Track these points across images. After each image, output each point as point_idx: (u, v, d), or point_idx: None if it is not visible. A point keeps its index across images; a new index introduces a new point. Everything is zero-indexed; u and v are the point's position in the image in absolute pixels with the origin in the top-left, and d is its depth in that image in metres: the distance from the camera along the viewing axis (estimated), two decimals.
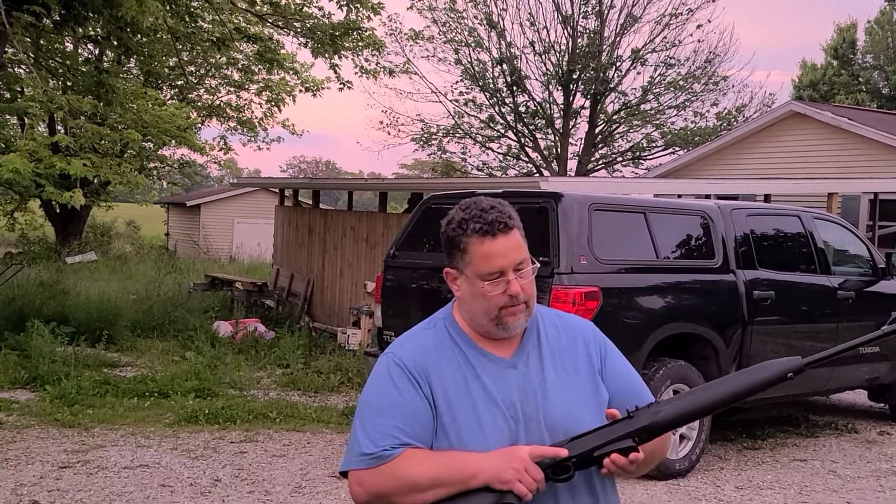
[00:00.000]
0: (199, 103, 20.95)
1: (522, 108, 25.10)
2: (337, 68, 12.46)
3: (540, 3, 24.28)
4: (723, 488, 6.05)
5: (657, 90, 24.47)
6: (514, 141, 25.81)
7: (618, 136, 25.92)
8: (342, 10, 11.32)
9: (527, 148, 25.81)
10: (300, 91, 19.89)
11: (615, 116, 25.30)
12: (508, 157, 26.26)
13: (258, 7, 11.62)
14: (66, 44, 15.10)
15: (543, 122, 25.37)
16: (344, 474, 1.90)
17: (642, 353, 5.98)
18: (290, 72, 18.89)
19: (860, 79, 36.02)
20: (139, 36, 11.64)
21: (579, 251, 5.89)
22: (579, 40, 24.05)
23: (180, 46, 12.41)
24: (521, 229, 1.92)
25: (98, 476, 5.78)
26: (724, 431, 7.40)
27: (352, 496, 1.87)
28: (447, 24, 24.48)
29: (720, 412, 1.91)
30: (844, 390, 8.24)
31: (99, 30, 12.10)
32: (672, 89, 24.41)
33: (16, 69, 13.20)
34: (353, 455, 1.87)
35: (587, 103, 25.11)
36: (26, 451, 6.28)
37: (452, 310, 2.01)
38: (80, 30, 11.32)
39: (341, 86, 13.00)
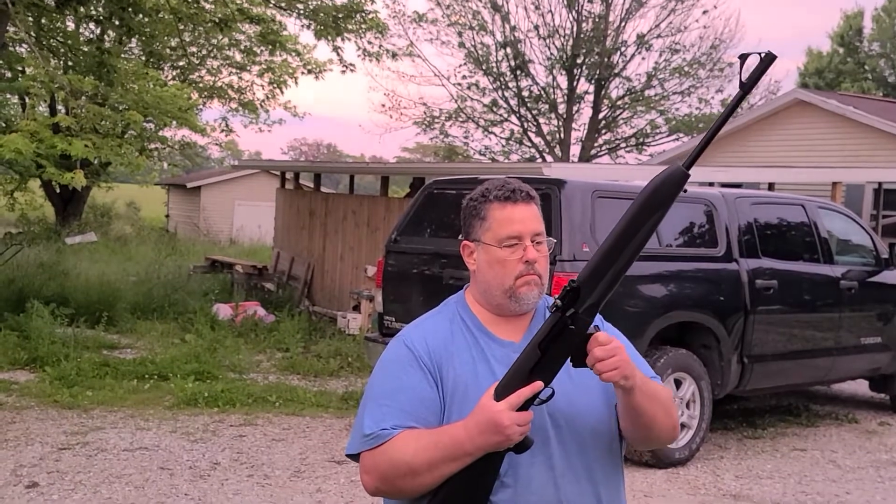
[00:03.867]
0: (201, 84, 20.84)
1: (526, 93, 24.98)
2: (340, 51, 12.39)
3: None
4: (722, 477, 6.04)
5: (662, 76, 24.34)
6: (517, 125, 25.70)
7: (621, 121, 25.81)
8: None
9: (529, 133, 25.72)
10: (302, 73, 19.78)
11: (619, 102, 25.18)
12: (511, 142, 26.16)
13: None
14: (68, 23, 15.01)
15: (547, 106, 25.25)
16: (353, 458, 1.91)
17: (644, 342, 5.96)
18: (293, 53, 18.77)
19: (866, 67, 35.85)
20: (141, 16, 11.56)
21: (582, 238, 5.86)
22: (584, 25, 23.91)
23: (182, 27, 12.33)
24: (539, 208, 1.97)
25: (97, 458, 5.77)
26: (724, 420, 7.40)
27: (363, 485, 1.87)
28: (451, 7, 24.33)
29: (641, 244, 1.78)
30: (846, 380, 8.23)
31: (101, 9, 12.02)
32: (677, 75, 24.28)
33: (17, 48, 13.13)
34: (355, 438, 1.88)
35: (591, 88, 25.00)
36: (26, 432, 6.28)
37: (465, 294, 2.02)
38: (82, 9, 11.25)
39: (344, 68, 12.93)
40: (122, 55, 14.61)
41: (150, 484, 5.34)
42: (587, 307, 1.77)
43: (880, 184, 14.30)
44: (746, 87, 1.69)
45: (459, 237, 2.02)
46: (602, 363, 1.76)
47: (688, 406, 6.31)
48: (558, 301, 1.77)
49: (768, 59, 1.67)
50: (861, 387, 8.75)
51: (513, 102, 25.18)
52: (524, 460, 1.81)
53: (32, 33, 10.52)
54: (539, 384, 1.76)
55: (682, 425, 6.29)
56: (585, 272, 1.78)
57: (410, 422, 1.83)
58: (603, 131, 25.78)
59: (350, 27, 11.76)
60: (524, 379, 1.76)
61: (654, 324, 6.06)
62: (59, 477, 5.37)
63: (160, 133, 20.14)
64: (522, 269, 1.90)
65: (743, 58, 1.67)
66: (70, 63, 12.65)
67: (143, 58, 17.38)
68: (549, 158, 24.65)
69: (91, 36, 16.16)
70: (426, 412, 1.85)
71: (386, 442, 1.81)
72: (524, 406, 1.75)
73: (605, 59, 23.81)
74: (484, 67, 24.59)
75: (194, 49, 19.28)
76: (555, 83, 24.92)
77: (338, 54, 12.53)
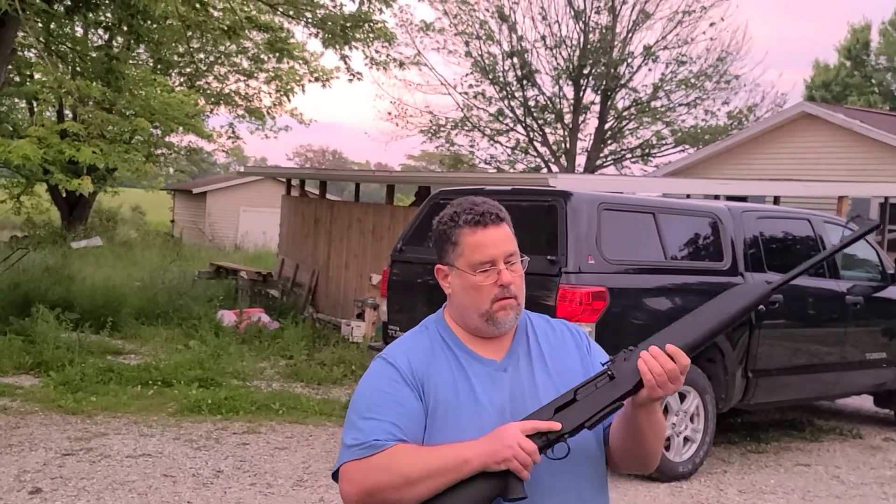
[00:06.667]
0: (208, 91, 20.92)
1: (532, 103, 25.01)
2: (347, 59, 12.41)
3: None
4: (726, 492, 6.02)
5: (668, 87, 24.35)
6: (523, 135, 25.73)
7: (627, 132, 25.82)
8: (354, 1, 11.28)
9: (535, 142, 25.73)
10: (309, 81, 19.84)
11: (625, 113, 25.19)
12: (517, 151, 26.18)
13: None
14: (77, 29, 15.07)
15: (553, 116, 25.27)
16: (336, 477, 1.87)
17: None
18: (300, 61, 18.84)
19: (873, 80, 35.86)
20: (149, 23, 11.60)
21: (587, 251, 5.85)
22: (591, 35, 23.94)
23: (190, 34, 12.37)
24: (510, 226, 1.95)
25: (101, 464, 5.77)
26: (727, 434, 7.38)
27: (343, 497, 1.82)
28: (458, 17, 24.39)
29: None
30: (850, 395, 8.21)
31: (110, 16, 12.06)
32: (683, 87, 24.29)
33: (26, 53, 13.18)
34: (343, 450, 1.85)
35: (597, 99, 25.01)
36: (30, 437, 6.28)
37: (444, 314, 2.02)
38: (91, 15, 11.29)
39: (351, 77, 12.95)
40: (130, 61, 14.66)
41: (154, 491, 5.34)
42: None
43: (886, 198, 14.29)
44: (842, 246, 1.95)
45: None
46: (665, 376, 1.75)
47: (692, 420, 6.30)
48: (612, 358, 1.80)
49: (871, 226, 1.91)
50: (866, 402, 8.72)
51: (519, 112, 25.20)
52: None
53: (41, 39, 10.55)
54: (557, 425, 1.76)
55: (686, 439, 6.28)
56: (647, 342, 1.80)
57: (400, 434, 1.81)
58: (609, 142, 25.79)
59: (358, 36, 11.78)
60: (549, 415, 1.77)
61: None
62: (63, 483, 5.38)
63: (167, 139, 20.24)
64: (498, 293, 1.89)
65: (855, 218, 1.92)
66: (78, 69, 12.69)
67: (151, 64, 17.45)
68: (554, 168, 24.66)
69: (99, 42, 16.23)
70: (413, 426, 1.84)
71: (380, 451, 1.79)
72: (544, 445, 1.76)
73: (612, 70, 23.83)
74: (490, 77, 24.63)
75: (202, 56, 19.36)
76: (561, 93, 24.96)
77: (345, 63, 12.55)
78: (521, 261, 1.93)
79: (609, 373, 1.79)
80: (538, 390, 1.90)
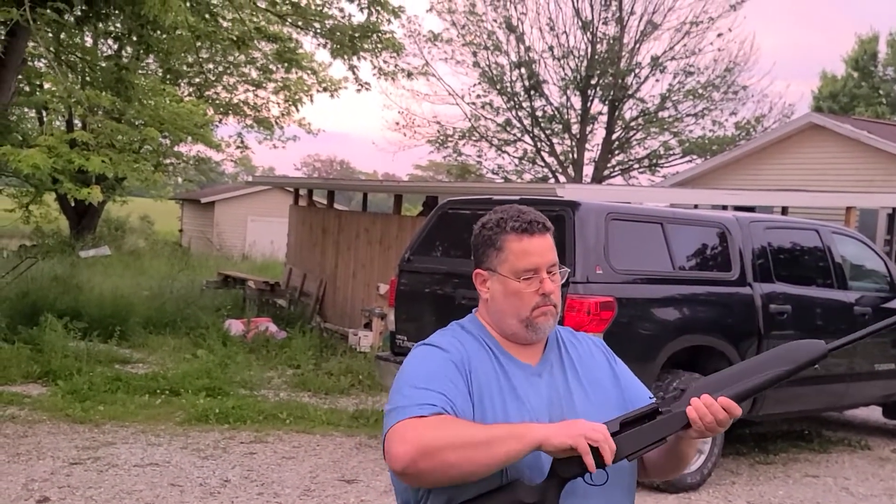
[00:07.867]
0: (217, 101, 21.01)
1: (539, 113, 25.06)
2: (355, 69, 12.47)
3: (560, 7, 24.18)
4: (734, 503, 6.00)
5: (676, 98, 24.38)
6: (531, 145, 25.77)
7: (635, 142, 25.84)
8: (363, 12, 11.33)
9: (543, 152, 25.77)
10: (318, 91, 19.92)
11: (633, 123, 25.22)
12: (524, 161, 26.23)
13: (279, 7, 11.64)
14: (87, 39, 15.16)
15: (560, 126, 25.31)
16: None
17: (656, 365, 5.94)
18: (308, 71, 18.92)
19: (880, 91, 35.79)
20: (159, 33, 11.67)
21: (595, 261, 5.85)
22: (598, 46, 23.99)
23: (200, 44, 12.44)
24: (553, 237, 1.97)
25: (108, 473, 5.78)
26: (736, 445, 7.35)
27: (393, 459, 1.70)
28: (466, 27, 24.48)
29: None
30: (858, 406, 8.18)
31: (119, 26, 12.13)
32: (691, 97, 24.32)
33: (36, 62, 13.26)
34: (395, 413, 1.75)
35: (605, 109, 25.06)
36: (37, 446, 6.30)
37: (478, 318, 2.02)
38: (101, 25, 11.36)
39: (359, 87, 13.00)
40: (140, 71, 14.74)
41: (161, 500, 5.34)
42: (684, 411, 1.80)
43: (894, 209, 14.26)
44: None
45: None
46: (715, 423, 1.79)
47: None
48: (661, 393, 1.80)
49: None
50: (874, 413, 8.68)
51: (526, 122, 25.26)
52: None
53: (52, 49, 10.62)
54: (613, 447, 1.75)
55: None
56: (699, 387, 1.82)
57: (455, 411, 1.77)
58: (616, 152, 25.82)
59: (366, 46, 11.83)
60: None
61: (667, 347, 6.04)
62: (70, 492, 5.38)
63: (176, 148, 20.31)
64: (539, 301, 1.92)
65: None
66: (88, 78, 12.77)
67: (161, 74, 17.53)
68: (561, 178, 24.69)
69: (109, 52, 16.31)
70: (464, 407, 1.81)
71: (439, 415, 1.74)
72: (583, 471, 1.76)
73: (619, 81, 23.87)
74: (498, 87, 24.69)
75: (211, 66, 19.45)
76: (569, 104, 25.01)
77: (353, 73, 12.61)
78: (561, 271, 1.96)
79: (659, 410, 1.82)
80: (573, 398, 1.93)
